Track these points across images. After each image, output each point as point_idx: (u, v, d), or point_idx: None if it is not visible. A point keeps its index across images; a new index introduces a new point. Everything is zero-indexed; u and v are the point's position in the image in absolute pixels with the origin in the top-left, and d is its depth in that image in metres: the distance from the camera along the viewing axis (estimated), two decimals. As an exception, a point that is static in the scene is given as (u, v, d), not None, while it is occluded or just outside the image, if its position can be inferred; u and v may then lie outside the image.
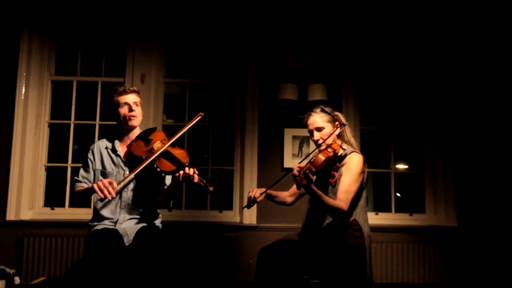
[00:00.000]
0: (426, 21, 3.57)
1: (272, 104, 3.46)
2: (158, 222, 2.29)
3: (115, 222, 2.14)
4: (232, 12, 3.55)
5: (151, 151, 2.10)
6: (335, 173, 2.13)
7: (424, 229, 3.43)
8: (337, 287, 2.01)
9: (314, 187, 1.90)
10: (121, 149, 2.23)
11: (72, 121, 3.57)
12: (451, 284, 3.30)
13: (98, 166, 2.19)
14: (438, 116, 3.55)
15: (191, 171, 1.99)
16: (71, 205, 3.47)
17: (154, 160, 2.05)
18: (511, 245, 3.33)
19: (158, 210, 2.31)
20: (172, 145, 2.11)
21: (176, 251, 3.20)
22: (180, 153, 2.08)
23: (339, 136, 2.24)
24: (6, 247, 3.24)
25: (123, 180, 2.03)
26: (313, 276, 2.12)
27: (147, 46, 3.51)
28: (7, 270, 3.08)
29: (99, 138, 2.35)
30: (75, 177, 2.21)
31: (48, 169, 3.56)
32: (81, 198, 2.18)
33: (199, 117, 2.19)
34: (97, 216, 2.17)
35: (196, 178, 2.00)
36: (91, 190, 1.98)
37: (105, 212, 2.15)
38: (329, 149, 2.02)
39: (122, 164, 2.19)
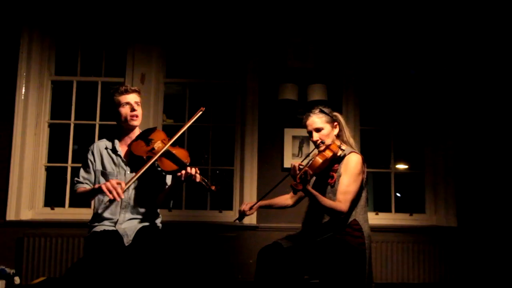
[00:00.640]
0: (426, 21, 3.58)
1: (272, 104, 3.47)
2: (158, 222, 2.28)
3: (115, 223, 2.12)
4: (232, 12, 3.55)
5: (152, 151, 2.09)
6: (334, 173, 2.13)
7: (424, 229, 3.43)
8: (337, 287, 2.01)
9: (312, 190, 1.91)
10: (121, 149, 2.22)
11: (72, 121, 3.57)
12: (451, 284, 3.30)
13: (99, 167, 2.18)
14: (438, 116, 3.55)
15: (193, 170, 1.99)
16: (71, 205, 3.48)
17: (156, 160, 2.04)
18: (511, 245, 3.33)
19: (158, 210, 2.30)
20: (173, 144, 2.10)
21: (176, 251, 3.20)
22: (181, 153, 2.07)
23: (338, 136, 2.25)
24: (6, 247, 3.25)
25: (130, 181, 1.99)
26: (313, 276, 2.13)
27: (147, 46, 3.51)
28: (7, 270, 3.08)
29: (99, 138, 2.34)
30: (76, 178, 2.20)
31: (48, 169, 3.56)
32: (85, 199, 2.17)
33: (201, 112, 2.17)
34: (97, 217, 2.16)
35: (198, 178, 2.00)
36: (97, 191, 1.97)
37: (105, 213, 2.14)
38: (327, 151, 2.03)
39: (122, 164, 2.18)
